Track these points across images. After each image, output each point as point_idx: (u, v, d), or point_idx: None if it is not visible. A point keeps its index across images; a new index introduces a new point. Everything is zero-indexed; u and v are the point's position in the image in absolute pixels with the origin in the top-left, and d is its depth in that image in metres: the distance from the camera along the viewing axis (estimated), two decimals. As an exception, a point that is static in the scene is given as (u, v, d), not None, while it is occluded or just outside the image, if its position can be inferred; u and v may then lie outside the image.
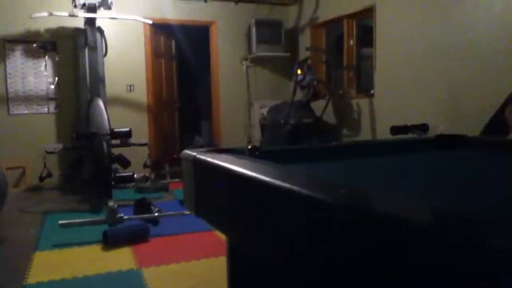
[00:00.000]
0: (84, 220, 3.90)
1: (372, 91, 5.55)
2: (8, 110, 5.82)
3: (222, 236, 3.32)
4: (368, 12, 5.52)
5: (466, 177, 1.36)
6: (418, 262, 0.62)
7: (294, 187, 0.93)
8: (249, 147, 1.70)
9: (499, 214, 0.85)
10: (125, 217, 3.90)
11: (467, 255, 0.56)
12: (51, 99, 6.03)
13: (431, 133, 3.53)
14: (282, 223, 1.00)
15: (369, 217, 0.72)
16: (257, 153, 1.66)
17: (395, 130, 3.97)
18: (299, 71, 5.76)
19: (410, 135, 3.77)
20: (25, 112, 5.91)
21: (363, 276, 0.73)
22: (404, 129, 3.99)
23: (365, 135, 5.61)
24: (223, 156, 1.47)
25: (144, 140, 5.61)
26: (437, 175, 1.40)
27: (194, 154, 1.57)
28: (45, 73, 5.99)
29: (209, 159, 1.43)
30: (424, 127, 3.85)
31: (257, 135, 6.61)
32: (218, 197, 1.41)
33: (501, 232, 0.58)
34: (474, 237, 0.57)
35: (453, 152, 1.85)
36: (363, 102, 5.69)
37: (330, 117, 6.15)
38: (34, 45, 5.91)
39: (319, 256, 0.85)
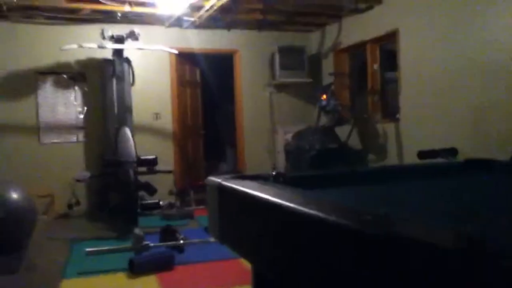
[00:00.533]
0: (111, 247, 3.92)
1: (397, 116, 5.49)
2: (39, 139, 5.98)
3: (247, 264, 3.28)
4: (391, 37, 5.51)
5: (495, 201, 1.31)
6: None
7: (319, 214, 0.91)
8: (274, 173, 1.69)
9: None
10: (151, 244, 3.90)
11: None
12: (80, 128, 6.18)
13: (459, 157, 3.45)
14: (306, 251, 0.97)
15: (395, 243, 0.70)
16: (281, 179, 1.64)
17: (422, 154, 3.89)
18: (323, 97, 5.75)
19: (438, 160, 3.69)
20: (55, 141, 6.06)
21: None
22: (432, 154, 3.90)
23: (391, 160, 5.52)
24: (248, 182, 1.46)
25: (170, 167, 5.66)
26: (465, 200, 1.36)
27: (219, 180, 1.56)
28: (75, 103, 6.16)
29: (234, 186, 1.42)
30: (452, 151, 3.76)
31: (281, 161, 6.59)
32: (243, 224, 1.39)
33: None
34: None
35: (482, 177, 1.79)
36: (389, 127, 5.62)
37: (355, 142, 6.09)
38: (64, 76, 6.10)
39: (346, 283, 0.82)
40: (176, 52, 6.22)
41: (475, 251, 0.59)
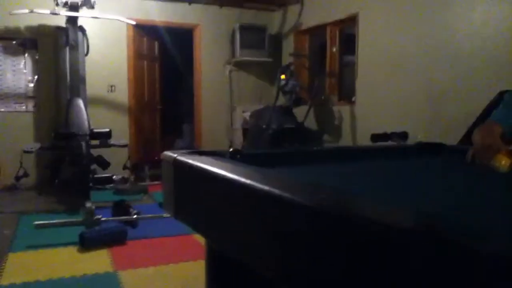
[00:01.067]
0: (61, 221, 3.83)
1: (353, 99, 5.61)
2: (-15, 108, 5.69)
3: (201, 240, 3.30)
4: (351, 20, 5.59)
5: (440, 183, 1.38)
6: (399, 267, 0.63)
7: (274, 190, 0.92)
8: (231, 150, 1.69)
9: (473, 217, 0.86)
10: (103, 219, 3.84)
11: (448, 260, 0.56)
12: (29, 97, 5.92)
13: (410, 141, 3.58)
14: (260, 227, 0.99)
15: (349, 220, 0.72)
16: (238, 156, 1.65)
17: (375, 137, 4.02)
18: (282, 77, 5.78)
19: (389, 143, 3.82)
20: (2, 110, 5.79)
21: (342, 280, 0.74)
22: (384, 137, 4.04)
23: (345, 141, 5.66)
24: (204, 158, 1.46)
25: (124, 141, 5.55)
26: (412, 181, 1.42)
27: (175, 155, 1.55)
28: (24, 71, 5.89)
29: (190, 161, 1.42)
30: (403, 135, 3.90)
31: (239, 139, 6.61)
32: (197, 200, 1.40)
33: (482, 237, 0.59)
34: (457, 241, 0.57)
35: (431, 160, 1.87)
36: (344, 109, 5.74)
37: (311, 123, 6.18)
38: (14, 42, 5.80)
39: (296, 260, 0.85)
40: (134, 23, 6.03)
41: (433, 231, 0.61)
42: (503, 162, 1.44)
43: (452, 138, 3.01)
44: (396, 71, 4.89)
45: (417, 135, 3.77)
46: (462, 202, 1.08)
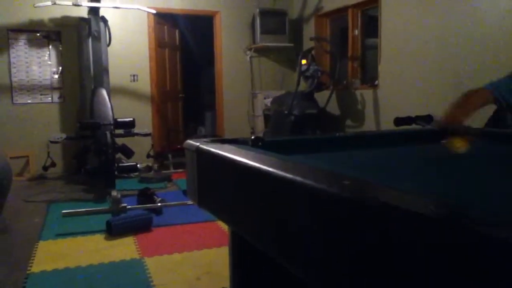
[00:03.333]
0: (88, 209, 3.91)
1: (376, 82, 5.52)
2: (12, 99, 5.83)
3: (225, 226, 3.33)
4: (374, 2, 5.47)
5: (467, 167, 1.35)
6: (421, 253, 0.62)
7: (296, 178, 0.92)
8: (252, 137, 1.69)
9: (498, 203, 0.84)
10: (129, 207, 3.91)
11: (469, 245, 0.55)
12: (55, 88, 6.03)
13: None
14: (282, 214, 0.99)
15: (371, 208, 0.71)
16: (260, 143, 1.65)
17: (399, 121, 3.96)
18: (303, 61, 5.73)
19: (413, 126, 3.76)
20: (29, 101, 5.91)
21: (363, 268, 0.73)
22: (408, 120, 3.97)
23: (368, 126, 5.59)
24: (226, 146, 1.46)
25: (148, 130, 5.61)
26: (439, 166, 1.39)
27: (198, 144, 1.56)
28: (49, 63, 5.99)
29: (212, 149, 1.42)
30: (428, 118, 3.83)
31: (260, 125, 6.60)
32: (220, 187, 1.40)
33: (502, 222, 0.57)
34: (479, 227, 0.56)
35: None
36: (367, 93, 5.66)
37: (334, 108, 6.12)
38: (38, 34, 5.90)
39: (320, 247, 0.84)
40: (154, 11, 6.05)
41: (457, 218, 0.60)
42: (458, 145, 1.43)
43: (478, 122, 2.94)
44: (420, 54, 4.78)
45: (441, 118, 3.69)
46: (484, 187, 1.06)
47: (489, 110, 3.23)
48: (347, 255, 0.77)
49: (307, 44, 6.65)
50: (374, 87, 5.54)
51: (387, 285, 0.68)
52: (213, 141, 1.61)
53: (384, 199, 0.72)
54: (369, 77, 5.92)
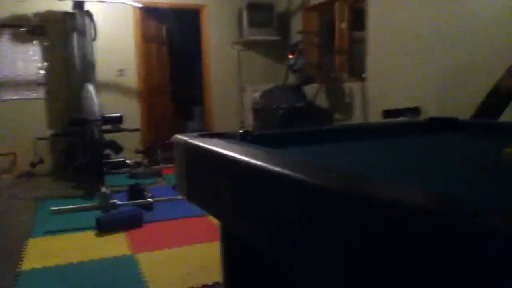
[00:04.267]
0: (77, 206, 3.89)
1: (364, 75, 5.54)
2: (-2, 96, 5.75)
3: (216, 221, 3.33)
4: (360, -5, 5.48)
5: (455, 159, 1.37)
6: (411, 246, 0.62)
7: (284, 171, 0.92)
8: (241, 131, 1.69)
9: (486, 196, 0.86)
10: (118, 203, 3.89)
11: (461, 238, 0.56)
12: (40, 84, 5.96)
13: (423, 117, 3.54)
14: (270, 208, 0.99)
15: (358, 201, 0.72)
16: (248, 137, 1.65)
17: (387, 113, 3.99)
18: (291, 55, 5.73)
19: (401, 118, 3.79)
20: (15, 97, 5.84)
21: (350, 261, 0.74)
22: (396, 113, 4.00)
23: (357, 119, 5.62)
24: (214, 140, 1.46)
25: (136, 125, 5.58)
26: (426, 158, 1.41)
27: (186, 138, 1.56)
28: (34, 58, 5.91)
29: (200, 144, 1.42)
30: (416, 111, 3.86)
31: (249, 119, 6.60)
32: (209, 182, 1.40)
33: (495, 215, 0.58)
34: (468, 220, 0.57)
35: (445, 135, 1.85)
36: (355, 86, 5.68)
37: (322, 102, 6.14)
38: (22, 29, 5.81)
39: (309, 241, 0.85)
40: (140, 5, 6.00)
41: (451, 211, 0.61)
42: None
43: (466, 113, 2.97)
44: (408, 46, 4.80)
45: (430, 110, 3.73)
46: (466, 178, 1.07)
47: (478, 98, 3.27)
48: (335, 247, 0.78)
49: (295, 37, 6.65)
50: (362, 80, 5.56)
51: (373, 276, 0.69)
52: (201, 136, 1.61)
53: (369, 191, 0.73)
54: (357, 70, 5.94)
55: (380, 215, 0.67)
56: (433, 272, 0.58)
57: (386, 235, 0.66)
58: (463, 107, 3.72)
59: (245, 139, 1.63)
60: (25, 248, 3.18)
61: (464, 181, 1.03)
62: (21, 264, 2.88)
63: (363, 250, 0.71)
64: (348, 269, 0.75)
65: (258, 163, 1.04)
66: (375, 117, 5.07)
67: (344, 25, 6.01)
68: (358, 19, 5.83)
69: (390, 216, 0.66)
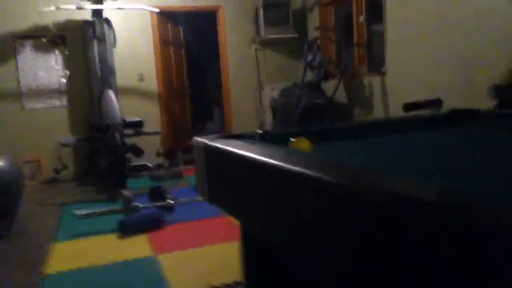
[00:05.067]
0: (100, 210, 3.94)
1: (383, 69, 5.46)
2: (22, 105, 5.88)
3: (236, 221, 3.33)
4: (377, -12, 5.40)
5: (479, 152, 1.33)
6: (422, 240, 0.60)
7: (302, 170, 0.91)
8: (259, 131, 1.68)
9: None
10: (141, 205, 3.92)
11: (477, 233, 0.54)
12: (63, 92, 6.07)
13: (444, 109, 3.46)
14: (290, 207, 0.98)
15: (380, 200, 0.70)
16: (267, 137, 1.64)
17: (408, 106, 3.91)
18: (308, 52, 5.69)
19: (423, 111, 3.71)
20: (38, 106, 5.96)
21: (366, 256, 0.72)
22: (417, 105, 3.92)
23: (377, 113, 5.54)
24: (233, 142, 1.46)
25: (156, 128, 5.63)
26: (450, 152, 1.37)
27: (205, 140, 1.56)
28: (56, 67, 6.03)
29: (220, 146, 1.42)
30: (437, 102, 3.77)
31: (268, 118, 6.58)
32: (229, 183, 1.40)
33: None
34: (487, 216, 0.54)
35: (467, 127, 1.80)
36: (375, 80, 5.60)
37: (341, 97, 6.08)
38: (44, 39, 5.93)
39: (331, 242, 0.83)
40: (157, 10, 6.05)
41: (459, 206, 0.59)
42: (302, 146, 1.42)
43: (486, 105, 2.90)
44: (426, 38, 4.71)
45: (450, 101, 3.64)
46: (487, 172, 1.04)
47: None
48: (353, 245, 0.76)
49: (312, 34, 6.60)
50: (382, 73, 5.48)
51: (387, 272, 0.67)
52: (220, 137, 1.60)
53: (387, 188, 0.71)
54: (376, 64, 5.86)
55: (397, 211, 0.65)
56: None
57: (399, 231, 0.64)
58: (483, 97, 3.63)
59: (264, 139, 1.62)
60: (51, 252, 3.24)
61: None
62: (47, 268, 2.93)
63: (376, 247, 0.69)
64: (364, 264, 0.73)
65: (276, 163, 1.02)
66: (395, 110, 4.99)
67: (362, 19, 5.94)
68: (375, 12, 5.75)
69: (405, 213, 0.64)
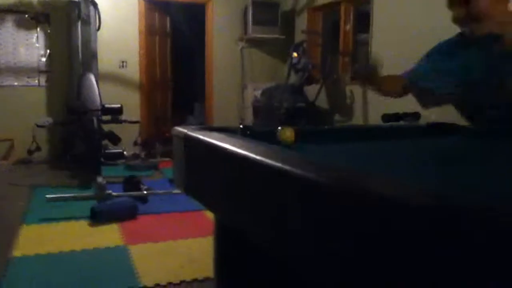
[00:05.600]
0: (72, 195, 3.88)
1: (366, 78, 5.53)
2: (-2, 82, 5.73)
3: (210, 216, 3.32)
4: (366, -2, 5.47)
5: (452, 162, 1.37)
6: (414, 243, 0.62)
7: (283, 166, 0.92)
8: (241, 126, 1.68)
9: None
10: (114, 193, 3.88)
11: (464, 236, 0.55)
12: (42, 72, 5.94)
13: (422, 122, 3.53)
14: (268, 202, 0.99)
15: (357, 196, 0.72)
16: (248, 132, 1.65)
17: (387, 117, 3.97)
18: (294, 54, 5.72)
19: (401, 123, 3.78)
20: (15, 84, 5.82)
21: (354, 258, 0.73)
22: (396, 117, 3.99)
23: (357, 121, 5.62)
24: (215, 134, 1.45)
25: (136, 117, 5.57)
26: (424, 160, 1.40)
27: (186, 131, 1.55)
28: (37, 45, 5.89)
29: (201, 137, 1.41)
30: (416, 115, 3.85)
31: (249, 117, 6.59)
32: (207, 175, 1.40)
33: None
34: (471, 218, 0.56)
35: (443, 140, 1.85)
36: (357, 89, 5.67)
37: (323, 102, 6.13)
38: (26, 16, 5.79)
39: (305, 236, 0.84)
40: (146, -2, 5.98)
41: (451, 208, 0.60)
42: (287, 134, 1.48)
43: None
44: (410, 51, 4.78)
45: (430, 115, 3.72)
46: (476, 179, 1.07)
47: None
48: (338, 245, 0.77)
49: (299, 36, 6.63)
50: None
51: (377, 275, 0.69)
52: (201, 129, 1.60)
53: (374, 189, 0.72)
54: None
55: (388, 214, 0.67)
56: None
57: (389, 234, 0.66)
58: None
59: (245, 134, 1.62)
60: (19, 234, 3.17)
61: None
62: (14, 250, 2.87)
63: (364, 250, 0.70)
64: (352, 266, 0.74)
65: (258, 157, 1.03)
66: (375, 120, 5.05)
67: (348, 27, 6.00)
68: (362, 22, 5.82)
69: (397, 215, 0.65)
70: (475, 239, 0.54)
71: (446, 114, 3.96)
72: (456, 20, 1.91)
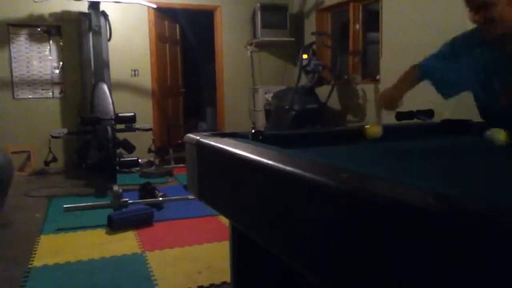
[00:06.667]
0: (89, 204, 3.92)
1: (377, 77, 5.50)
2: (13, 95, 5.83)
3: (225, 221, 3.33)
4: (375, -4, 5.44)
5: (469, 162, 1.35)
6: (419, 245, 0.61)
7: (296, 171, 0.92)
8: (253, 131, 1.69)
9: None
10: (130, 201, 3.91)
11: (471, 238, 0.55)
12: (55, 83, 6.03)
13: (436, 119, 3.50)
14: (281, 207, 0.99)
15: (371, 202, 0.71)
16: (260, 137, 1.65)
17: (400, 116, 3.94)
18: (304, 56, 5.71)
19: (415, 121, 3.74)
20: (30, 96, 5.92)
21: (360, 260, 0.73)
22: (409, 115, 3.95)
23: (370, 121, 5.58)
24: (226, 140, 1.46)
25: (149, 125, 5.61)
26: (440, 160, 1.39)
27: (198, 137, 1.56)
28: (50, 58, 5.99)
29: (212, 143, 1.42)
30: (429, 113, 3.81)
31: (261, 121, 6.59)
32: (220, 181, 1.40)
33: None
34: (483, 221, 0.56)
35: (458, 138, 1.83)
36: (368, 88, 5.64)
37: (334, 103, 6.11)
38: (38, 29, 5.89)
39: (319, 240, 0.84)
40: (155, 6, 6.03)
41: (456, 210, 0.60)
42: (372, 132, 1.75)
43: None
44: (422, 48, 4.74)
45: (443, 112, 3.68)
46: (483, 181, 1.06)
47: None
48: (346, 248, 0.77)
49: (308, 38, 6.62)
50: (376, 81, 5.52)
51: (383, 277, 0.68)
52: (213, 135, 1.61)
53: (382, 192, 0.72)
54: (370, 72, 5.90)
55: (394, 216, 0.66)
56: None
57: (395, 235, 0.65)
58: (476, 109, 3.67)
59: (256, 138, 1.63)
60: (37, 244, 3.21)
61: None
62: (33, 261, 2.91)
63: (371, 251, 0.70)
64: (358, 268, 0.74)
65: (270, 162, 1.03)
66: (388, 119, 5.01)
67: (358, 27, 5.98)
68: (371, 21, 5.79)
69: (402, 217, 0.65)
70: (475, 240, 0.54)
71: (460, 110, 3.91)
72: (474, 21, 1.91)
